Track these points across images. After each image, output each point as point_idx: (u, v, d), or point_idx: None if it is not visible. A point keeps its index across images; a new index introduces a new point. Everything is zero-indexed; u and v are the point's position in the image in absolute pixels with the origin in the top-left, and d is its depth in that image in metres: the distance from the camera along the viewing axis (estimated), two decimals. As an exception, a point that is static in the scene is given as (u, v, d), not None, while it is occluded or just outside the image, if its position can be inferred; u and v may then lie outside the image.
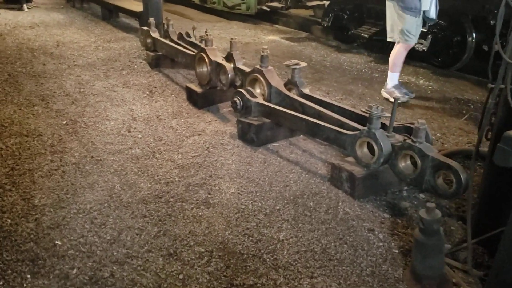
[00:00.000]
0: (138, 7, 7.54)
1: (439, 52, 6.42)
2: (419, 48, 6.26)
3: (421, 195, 3.29)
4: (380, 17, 7.01)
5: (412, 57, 6.84)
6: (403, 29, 5.08)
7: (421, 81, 6.12)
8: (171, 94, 5.23)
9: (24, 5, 9.91)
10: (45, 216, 2.96)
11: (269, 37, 8.55)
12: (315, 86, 5.78)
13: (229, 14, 10.21)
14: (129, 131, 4.26)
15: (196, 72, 4.96)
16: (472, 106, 5.26)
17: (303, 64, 4.26)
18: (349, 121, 3.55)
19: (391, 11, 5.26)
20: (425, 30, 6.22)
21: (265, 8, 9.32)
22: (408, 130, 3.41)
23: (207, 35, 4.89)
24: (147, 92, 5.24)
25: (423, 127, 3.01)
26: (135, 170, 3.58)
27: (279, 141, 4.16)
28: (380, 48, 7.28)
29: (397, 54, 5.29)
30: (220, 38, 8.26)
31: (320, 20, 8.92)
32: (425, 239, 2.25)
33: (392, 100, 4.95)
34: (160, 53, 5.99)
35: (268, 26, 9.63)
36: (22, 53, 6.53)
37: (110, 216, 2.98)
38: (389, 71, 5.39)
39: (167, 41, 5.77)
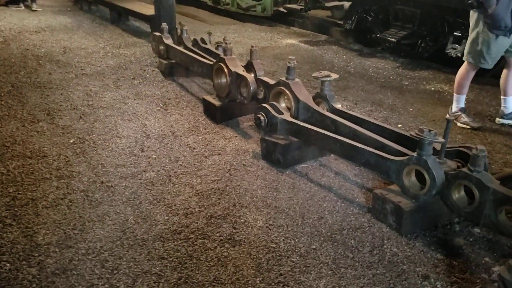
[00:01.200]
0: (149, 11, 7.17)
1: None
2: (453, 54, 5.81)
3: (477, 230, 2.87)
4: (408, 20, 6.60)
5: (444, 62, 6.41)
6: (482, 50, 4.32)
7: (455, 89, 5.67)
8: (187, 107, 4.85)
9: (34, 3, 9.61)
10: (50, 258, 2.58)
11: (286, 41, 8.14)
12: (341, 95, 5.37)
13: (244, 16, 9.81)
14: (142, 151, 3.87)
15: (214, 84, 4.57)
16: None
17: (334, 76, 3.85)
18: (390, 143, 3.13)
19: (474, 24, 4.40)
20: (460, 34, 5.78)
21: (282, 9, 8.91)
22: (460, 155, 3.00)
23: (226, 43, 4.49)
24: (161, 105, 4.86)
25: (482, 154, 2.59)
26: (150, 198, 3.20)
27: (307, 161, 3.76)
28: (407, 52, 6.84)
29: (464, 75, 4.61)
30: (235, 42, 7.87)
31: (341, 23, 8.51)
32: (508, 304, 1.84)
33: (466, 126, 4.54)
34: (173, 61, 5.61)
35: (284, 29, 9.22)
36: (27, 61, 6.18)
37: (123, 258, 2.60)
38: (454, 93, 4.74)
39: (182, 49, 5.38)
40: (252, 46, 4.64)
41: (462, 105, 4.68)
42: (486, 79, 5.94)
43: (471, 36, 4.42)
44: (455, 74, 6.22)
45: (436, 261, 2.60)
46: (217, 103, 4.48)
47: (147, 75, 5.72)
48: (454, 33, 5.87)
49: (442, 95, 5.50)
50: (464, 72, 4.60)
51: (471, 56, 4.43)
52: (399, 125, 4.60)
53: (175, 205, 3.12)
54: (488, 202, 2.55)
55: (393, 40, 6.47)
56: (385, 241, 2.76)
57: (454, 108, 4.71)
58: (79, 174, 3.47)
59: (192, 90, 5.34)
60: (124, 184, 3.37)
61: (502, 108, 4.66)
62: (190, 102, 4.98)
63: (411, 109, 5.03)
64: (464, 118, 4.59)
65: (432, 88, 5.75)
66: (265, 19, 9.50)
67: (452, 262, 2.60)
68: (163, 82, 5.53)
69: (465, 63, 4.58)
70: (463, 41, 5.81)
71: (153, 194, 3.25)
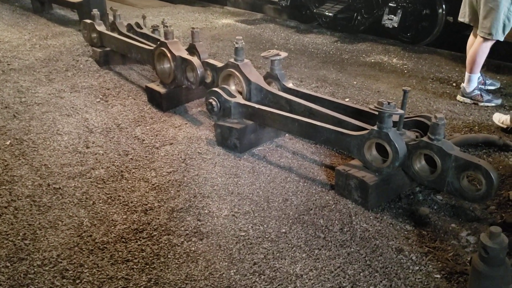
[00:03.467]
0: (76, -3, 6.73)
1: (408, 27, 6.08)
2: (389, 25, 5.90)
3: (439, 197, 2.92)
4: (342, -6, 6.62)
5: (380, 34, 6.51)
6: (504, 22, 4.07)
7: (395, 60, 5.78)
8: (128, 96, 4.60)
9: None
10: (2, 275, 2.35)
11: (222, 21, 7.96)
12: (286, 73, 5.26)
13: (174, -3, 9.51)
14: (87, 147, 3.63)
15: (156, 70, 4.36)
16: (454, 84, 4.97)
17: (284, 54, 3.76)
18: (348, 118, 3.11)
19: None
20: (394, 5, 5.86)
21: (214, -11, 8.71)
22: (417, 125, 3.03)
23: (165, 26, 4.28)
24: (100, 96, 4.58)
25: (442, 122, 2.61)
26: (104, 197, 3.00)
27: (263, 144, 3.68)
28: (344, 26, 6.87)
29: (481, 51, 4.30)
30: (169, 25, 7.56)
31: (275, 0, 8.43)
32: (490, 270, 1.86)
33: (489, 104, 4.40)
34: (108, 49, 5.30)
35: (218, 8, 9.01)
36: None
37: (84, 265, 2.41)
38: (467, 72, 4.43)
39: (117, 35, 5.09)
40: (193, 28, 4.48)
41: (476, 83, 4.46)
42: (423, 47, 6.09)
43: (487, 9, 4.10)
44: (392, 45, 6.37)
45: (406, 232, 2.62)
46: (162, 90, 4.28)
47: (81, 66, 5.38)
48: (389, 4, 5.94)
49: (383, 66, 5.57)
50: (480, 48, 4.29)
51: (494, 29, 4.12)
52: (346, 99, 4.61)
53: (132, 202, 2.95)
54: (450, 169, 2.58)
55: (330, 14, 6.48)
56: (353, 217, 2.74)
57: (470, 88, 4.47)
58: (21, 178, 3.20)
59: (132, 78, 5.08)
60: (73, 184, 3.14)
61: (464, 85, 4.52)
62: (132, 91, 4.73)
63: (355, 83, 5.06)
64: (486, 96, 4.44)
65: (372, 60, 5.82)
66: None
67: (422, 232, 2.62)
68: (99, 72, 5.22)
69: (479, 39, 4.27)
70: (398, 11, 5.91)
71: (106, 192, 3.05)
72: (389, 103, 2.71)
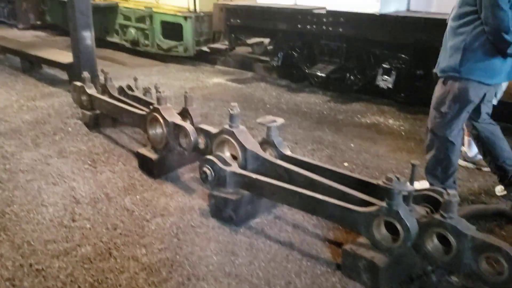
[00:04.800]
0: (67, 58, 6.64)
1: (403, 88, 6.05)
2: (384, 86, 5.86)
3: (454, 278, 2.72)
4: (334, 54, 6.62)
5: (374, 94, 6.48)
6: None
7: (391, 121, 5.70)
8: (118, 161, 4.42)
9: None
10: None
11: (213, 80, 7.91)
12: (280, 135, 5.16)
13: (165, 57, 9.48)
14: (73, 220, 3.40)
15: (148, 135, 4.20)
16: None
17: (280, 120, 3.64)
18: (353, 191, 2.94)
19: None
20: (388, 66, 5.85)
21: (205, 49, 8.70)
22: (427, 199, 2.86)
23: (158, 91, 4.16)
24: (89, 162, 4.39)
25: (455, 199, 2.45)
26: (90, 280, 2.75)
27: (261, 214, 3.48)
28: (336, 86, 6.85)
29: None
30: (160, 84, 7.42)
31: (264, 58, 8.44)
32: None
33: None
34: (98, 112, 5.15)
35: (209, 68, 9.00)
36: None
37: None
38: (466, 136, 4.21)
39: (108, 99, 4.96)
40: (186, 92, 4.36)
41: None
42: (418, 108, 6.03)
43: None
44: (387, 105, 6.32)
45: (421, 320, 2.40)
46: (153, 156, 4.10)
47: (70, 129, 5.21)
48: (383, 65, 5.94)
49: (379, 128, 5.48)
50: None
51: None
52: (345, 163, 4.48)
53: (120, 286, 2.70)
54: (467, 250, 2.40)
55: (322, 75, 6.45)
56: (363, 303, 2.52)
57: (471, 152, 4.32)
58: (1, 258, 2.95)
59: (122, 141, 4.91)
60: (57, 264, 2.89)
61: (465, 149, 4.37)
62: (122, 155, 4.55)
63: (352, 145, 4.94)
64: None
65: (368, 121, 5.74)
66: (187, 59, 9.23)
67: (437, 319, 2.41)
68: (89, 135, 5.04)
69: None
70: (392, 72, 5.89)
71: (93, 274, 2.81)
72: (398, 178, 2.56)
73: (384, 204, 2.59)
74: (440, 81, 3.47)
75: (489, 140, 3.63)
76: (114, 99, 5.04)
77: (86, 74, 5.22)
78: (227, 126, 3.58)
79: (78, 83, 5.27)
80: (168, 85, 7.50)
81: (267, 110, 6.20)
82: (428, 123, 3.60)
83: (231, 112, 3.54)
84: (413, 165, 2.68)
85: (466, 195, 3.80)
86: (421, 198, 2.85)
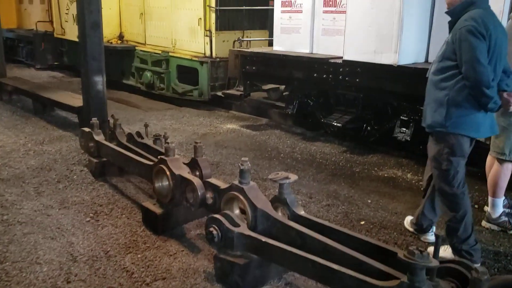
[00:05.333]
0: (77, 101, 6.56)
1: (422, 140, 5.79)
2: (402, 138, 5.62)
3: None
4: (351, 104, 6.43)
5: (392, 145, 6.23)
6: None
7: (409, 175, 5.42)
8: (122, 215, 4.19)
9: None
10: None
11: (227, 126, 7.75)
12: (293, 187, 4.89)
13: (180, 100, 9.41)
14: (68, 281, 3.15)
15: (154, 187, 3.99)
16: (476, 206, 4.56)
17: (294, 177, 3.40)
18: (370, 260, 2.66)
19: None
20: (406, 118, 5.63)
21: (220, 94, 8.60)
22: (452, 273, 2.57)
23: (167, 142, 3.97)
24: (91, 214, 4.17)
25: (485, 277, 2.17)
26: None
27: (270, 281, 3.20)
28: (353, 136, 6.62)
29: (502, 174, 3.96)
30: (173, 129, 7.39)
31: (280, 104, 8.34)
32: None
33: None
34: (105, 159, 4.99)
35: (223, 113, 8.88)
36: None
37: None
38: (490, 197, 4.05)
39: (115, 146, 4.79)
40: (196, 142, 4.16)
41: (502, 208, 4.06)
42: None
43: (499, 128, 3.79)
44: (405, 157, 6.06)
45: None
46: (158, 210, 3.88)
47: (75, 177, 5.03)
48: (401, 117, 5.72)
49: (397, 182, 5.21)
50: (500, 170, 3.95)
51: (507, 149, 3.87)
52: (362, 222, 4.20)
53: None
54: None
55: (338, 125, 6.24)
56: None
57: (496, 214, 4.05)
58: (-17, 325, 2.70)
59: (128, 192, 4.71)
60: (44, 335, 2.63)
61: (489, 211, 4.13)
62: (126, 208, 4.33)
63: (369, 201, 4.67)
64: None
65: (385, 175, 5.47)
66: (202, 103, 9.15)
67: None
68: (94, 184, 4.85)
69: (498, 161, 3.97)
70: (411, 124, 5.66)
71: None
72: (421, 252, 2.28)
73: (405, 279, 2.31)
74: (431, 138, 3.46)
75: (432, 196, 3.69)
76: (122, 146, 4.89)
77: (94, 120, 5.09)
78: (236, 182, 3.35)
79: (86, 129, 5.13)
80: (181, 130, 7.36)
81: (281, 160, 5.98)
82: (433, 180, 3.59)
83: (241, 167, 3.32)
84: (437, 236, 2.41)
85: (491, 260, 3.49)
86: (446, 270, 2.56)
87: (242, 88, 8.10)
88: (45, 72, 12.60)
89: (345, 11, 6.01)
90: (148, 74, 9.83)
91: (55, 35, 12.00)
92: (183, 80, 9.33)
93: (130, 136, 5.16)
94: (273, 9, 7.64)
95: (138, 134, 5.21)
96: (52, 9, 11.92)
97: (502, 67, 3.23)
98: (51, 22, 12.18)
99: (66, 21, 11.29)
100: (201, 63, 8.70)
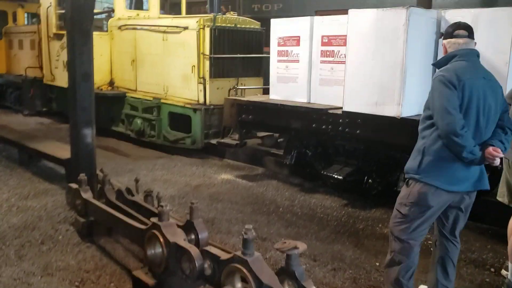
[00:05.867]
0: (65, 153, 6.21)
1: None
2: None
3: None
4: (351, 155, 6.20)
5: (395, 198, 5.95)
6: None
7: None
8: (110, 283, 3.84)
9: None
10: None
11: (221, 176, 7.46)
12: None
13: (171, 148, 9.13)
14: None
15: (146, 255, 3.65)
16: (492, 270, 4.27)
17: (303, 246, 3.09)
18: None
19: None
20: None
21: (214, 142, 8.34)
22: None
23: (161, 206, 3.65)
24: (76, 283, 3.81)
25: None
26: None
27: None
28: (352, 188, 6.35)
29: None
30: (164, 180, 7.08)
31: (275, 152, 8.10)
32: None
33: None
34: (93, 218, 4.64)
35: (217, 161, 8.59)
36: None
37: None
38: (510, 262, 3.85)
39: (103, 206, 4.46)
40: (192, 203, 3.84)
41: None
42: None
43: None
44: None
45: None
46: (150, 281, 3.53)
47: (60, 237, 4.67)
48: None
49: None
50: None
51: None
52: (372, 289, 3.88)
53: None
54: None
55: (340, 177, 5.98)
56: None
57: None
58: None
59: (117, 255, 4.35)
60: None
61: (509, 278, 3.88)
62: (115, 275, 3.97)
63: (377, 264, 4.36)
64: None
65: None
66: (195, 151, 8.86)
67: None
68: (80, 246, 4.50)
69: None
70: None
71: None
72: None
73: None
74: (405, 182, 3.43)
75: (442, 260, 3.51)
76: (111, 205, 4.56)
77: (82, 176, 4.77)
78: (239, 253, 3.03)
79: (73, 185, 4.80)
80: (172, 182, 7.05)
81: (280, 215, 5.68)
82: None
83: (244, 236, 3.01)
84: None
85: None
86: None
87: (237, 136, 7.89)
88: (33, 118, 12.29)
89: (343, 62, 5.87)
90: (139, 121, 9.57)
91: (45, 81, 11.77)
92: (175, 127, 9.08)
93: (119, 193, 4.84)
94: (267, 57, 7.54)
95: (128, 190, 4.89)
96: (42, 55, 11.74)
97: (487, 119, 3.15)
98: (41, 68, 11.98)
99: (56, 68, 11.09)
100: (195, 110, 8.47)
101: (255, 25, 9.11)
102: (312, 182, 7.07)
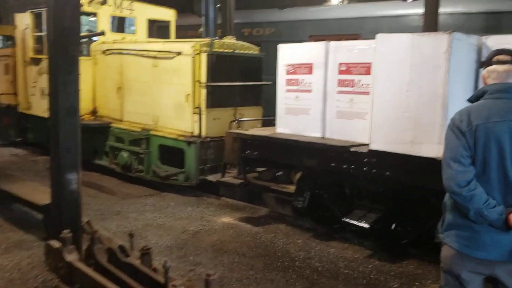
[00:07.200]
0: (43, 197, 5.27)
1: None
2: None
3: None
4: (377, 199, 5.44)
5: (429, 250, 5.19)
6: None
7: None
8: None
9: None
10: None
11: (221, 219, 6.60)
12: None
13: (161, 184, 8.25)
14: None
15: None
16: None
17: None
18: None
19: None
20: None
21: (211, 179, 7.51)
22: None
23: (165, 267, 2.81)
24: None
25: None
26: None
27: None
28: (375, 235, 5.58)
29: None
30: (157, 226, 6.22)
31: (280, 191, 7.30)
32: None
33: None
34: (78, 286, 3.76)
35: (214, 200, 7.73)
36: None
37: None
38: None
39: (92, 272, 3.58)
40: (208, 275, 3.03)
41: None
42: None
43: None
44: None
45: None
46: None
47: (37, 312, 3.76)
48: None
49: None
50: None
51: None
52: None
53: None
54: None
55: (366, 226, 5.20)
56: None
57: None
58: None
59: (110, 337, 3.45)
60: None
61: None
62: None
63: None
64: None
65: (433, 293, 4.41)
66: (188, 187, 7.99)
67: None
68: (63, 325, 3.59)
69: None
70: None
71: None
72: None
73: None
74: None
75: None
76: (102, 270, 3.69)
77: (66, 234, 3.90)
78: None
79: (55, 244, 3.93)
80: (167, 227, 6.19)
81: (298, 271, 4.86)
82: None
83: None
84: None
85: None
86: None
87: (237, 173, 7.10)
88: (6, 149, 11.25)
89: (367, 92, 5.20)
90: (125, 154, 8.69)
91: (20, 110, 10.82)
92: (166, 161, 8.22)
93: (111, 253, 3.96)
94: (267, 84, 6.83)
95: (122, 249, 4.02)
96: (17, 81, 10.81)
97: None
98: (16, 94, 11.03)
99: (33, 95, 10.16)
100: (189, 143, 7.66)
101: (254, 50, 8.41)
102: (325, 226, 6.28)
